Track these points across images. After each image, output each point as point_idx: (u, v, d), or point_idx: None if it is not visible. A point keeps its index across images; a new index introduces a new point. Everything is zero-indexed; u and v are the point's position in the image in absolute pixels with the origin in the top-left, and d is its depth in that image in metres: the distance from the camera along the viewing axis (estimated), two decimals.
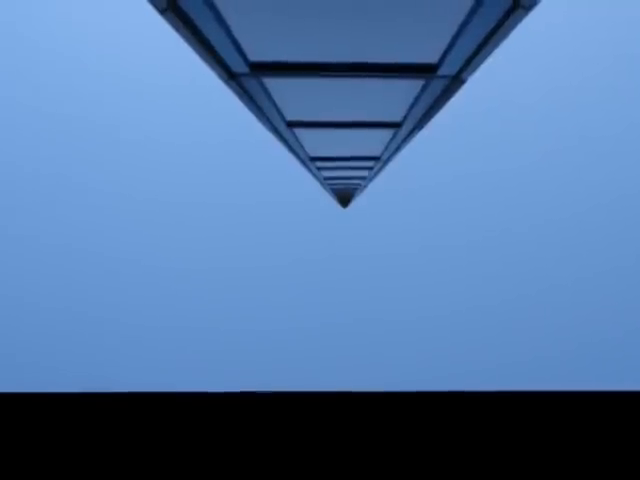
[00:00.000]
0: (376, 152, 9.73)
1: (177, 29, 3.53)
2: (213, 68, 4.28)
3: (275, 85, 4.95)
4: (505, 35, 3.67)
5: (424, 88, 5.03)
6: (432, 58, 4.25)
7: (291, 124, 6.82)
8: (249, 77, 4.57)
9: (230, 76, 4.53)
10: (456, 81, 4.78)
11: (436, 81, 4.81)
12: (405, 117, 6.44)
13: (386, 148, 9.12)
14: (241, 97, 5.21)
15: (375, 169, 12.85)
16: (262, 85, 4.86)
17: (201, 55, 3.98)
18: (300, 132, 7.40)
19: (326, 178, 16.19)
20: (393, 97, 5.52)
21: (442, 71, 4.48)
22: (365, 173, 14.39)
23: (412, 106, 5.83)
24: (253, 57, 4.17)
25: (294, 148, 8.96)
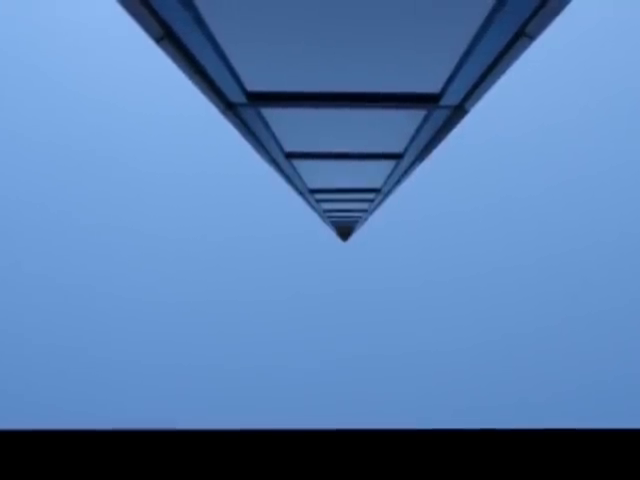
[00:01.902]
0: (377, 184, 9.74)
1: (173, 58, 3.53)
2: (210, 98, 4.27)
3: (273, 116, 4.95)
4: (509, 64, 3.67)
5: (426, 118, 5.03)
6: (434, 88, 4.25)
7: (290, 155, 6.82)
8: (247, 107, 4.56)
9: (227, 106, 4.53)
10: (459, 111, 4.77)
11: (438, 111, 4.81)
12: (406, 148, 6.44)
13: (387, 180, 9.12)
14: (239, 128, 5.21)
15: (376, 201, 12.86)
16: (260, 115, 4.85)
17: (198, 85, 3.98)
18: (299, 163, 7.39)
19: (326, 210, 16.21)
20: (394, 128, 5.52)
21: (444, 101, 4.48)
22: (366, 205, 14.40)
23: (414, 137, 5.83)
24: (251, 87, 4.16)
25: (293, 180, 8.96)
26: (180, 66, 3.64)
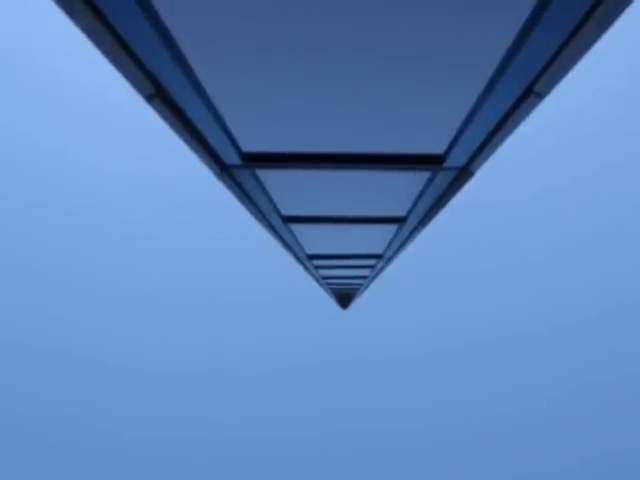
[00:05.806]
0: (378, 249, 9.63)
1: (164, 117, 3.47)
2: (203, 159, 4.21)
3: (270, 178, 4.89)
4: (517, 124, 3.62)
5: (430, 180, 4.97)
6: (438, 149, 4.19)
7: (287, 219, 6.73)
8: (242, 169, 4.50)
9: (221, 168, 4.46)
10: (464, 173, 4.71)
11: (443, 173, 4.75)
12: (409, 212, 6.36)
13: (389, 245, 9.02)
14: (233, 190, 5.13)
15: (377, 267, 12.72)
16: (256, 178, 4.78)
17: (190, 145, 3.91)
18: (297, 228, 7.30)
19: (325, 277, 16.03)
20: (396, 190, 5.46)
21: (449, 162, 4.42)
22: (367, 272, 14.24)
23: (417, 200, 5.76)
24: (246, 147, 4.11)
25: (290, 245, 8.85)
26: (171, 125, 3.59)
